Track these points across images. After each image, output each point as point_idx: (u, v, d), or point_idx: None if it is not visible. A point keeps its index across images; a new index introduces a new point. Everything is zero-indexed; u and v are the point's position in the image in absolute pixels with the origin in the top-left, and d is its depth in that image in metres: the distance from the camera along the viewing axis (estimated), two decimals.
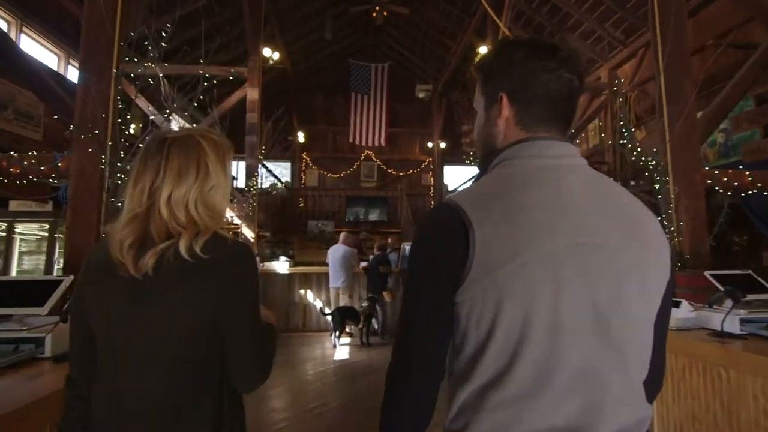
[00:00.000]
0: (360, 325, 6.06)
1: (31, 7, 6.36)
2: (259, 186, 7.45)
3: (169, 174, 0.91)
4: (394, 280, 7.06)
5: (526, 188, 0.68)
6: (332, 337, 6.20)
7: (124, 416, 0.87)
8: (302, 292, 7.19)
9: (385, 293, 6.46)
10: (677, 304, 2.09)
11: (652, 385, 0.73)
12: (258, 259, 7.39)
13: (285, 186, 11.78)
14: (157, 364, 0.87)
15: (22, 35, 6.36)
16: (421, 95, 12.00)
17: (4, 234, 7.39)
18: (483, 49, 7.91)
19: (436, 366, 0.68)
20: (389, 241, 8.37)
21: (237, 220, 7.39)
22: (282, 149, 10.02)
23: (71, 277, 1.77)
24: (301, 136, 13.19)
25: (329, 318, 6.12)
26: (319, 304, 7.14)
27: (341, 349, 5.80)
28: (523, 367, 0.62)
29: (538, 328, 0.62)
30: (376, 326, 6.51)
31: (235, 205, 7.43)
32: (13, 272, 7.67)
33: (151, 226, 0.89)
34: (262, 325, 0.95)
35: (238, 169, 7.84)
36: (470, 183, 0.81)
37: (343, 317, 5.88)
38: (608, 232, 0.67)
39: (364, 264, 6.90)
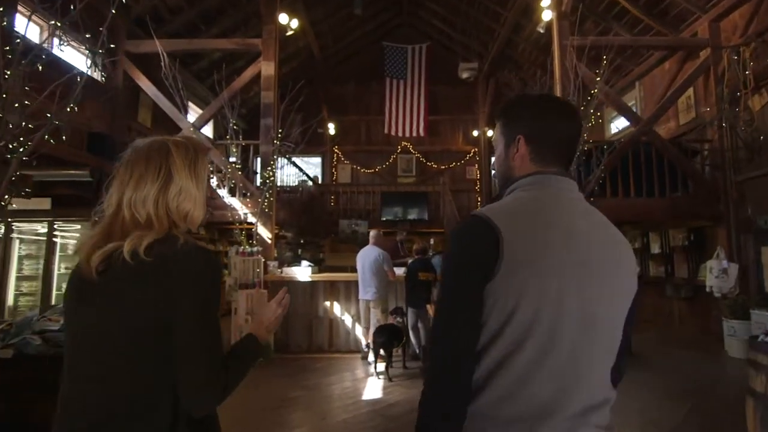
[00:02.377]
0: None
1: None
2: (275, 175, 6.26)
3: (133, 178, 0.95)
4: (440, 291, 5.66)
5: (542, 211, 0.87)
6: (367, 361, 4.93)
7: (73, 419, 0.88)
8: (327, 304, 5.94)
9: (429, 307, 5.08)
10: None
11: (619, 372, 0.93)
12: (275, 263, 6.21)
13: (314, 182, 10.63)
14: (104, 367, 0.88)
15: None
16: (464, 75, 10.50)
17: (0, 236, 6.65)
18: (546, 14, 6.39)
19: (474, 347, 0.83)
20: (431, 242, 6.99)
21: (251, 218, 6.24)
22: (311, 143, 8.95)
23: None
24: (331, 129, 12.04)
25: (367, 343, 4.87)
26: (348, 318, 5.86)
27: (378, 381, 4.47)
28: (529, 347, 0.79)
29: (544, 320, 0.79)
30: (416, 348, 5.15)
31: (248, 200, 6.30)
32: (12, 279, 6.90)
33: (115, 228, 0.92)
34: (212, 334, 0.90)
35: (252, 160, 6.72)
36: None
37: (391, 341, 4.57)
38: (600, 252, 0.86)
39: (401, 271, 5.57)
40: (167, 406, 0.87)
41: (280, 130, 6.25)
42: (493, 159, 11.85)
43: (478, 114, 11.90)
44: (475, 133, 11.85)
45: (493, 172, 11.25)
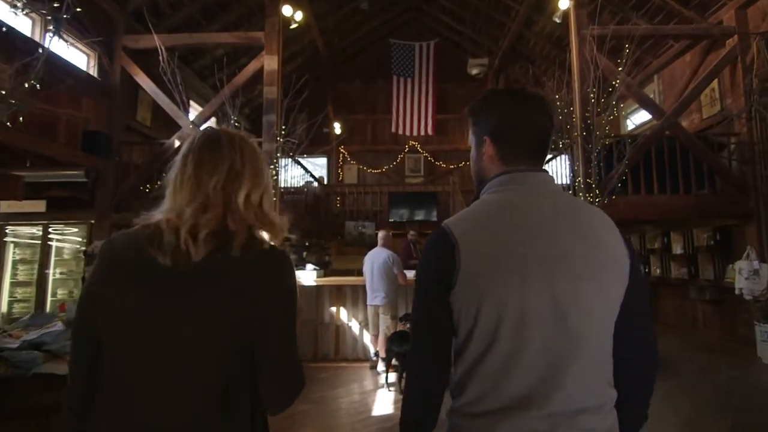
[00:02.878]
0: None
1: None
2: (277, 174, 5.99)
3: (247, 172, 0.92)
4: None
5: (505, 212, 0.87)
6: (376, 371, 4.64)
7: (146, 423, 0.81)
8: (333, 309, 5.65)
9: None
10: None
11: (646, 366, 0.91)
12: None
13: (319, 183, 10.35)
14: (184, 363, 0.82)
15: None
16: (474, 72, 10.19)
17: None
18: (563, 3, 6.06)
19: (444, 353, 0.87)
20: None
21: None
22: (316, 141, 8.67)
23: None
24: (337, 128, 11.77)
25: (375, 352, 4.57)
26: (355, 325, 5.57)
27: (388, 394, 4.17)
28: (497, 349, 0.81)
29: (508, 322, 0.80)
30: None
31: None
32: (6, 284, 6.68)
33: (230, 222, 0.87)
34: (296, 337, 0.91)
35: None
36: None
37: (404, 350, 4.26)
38: (572, 244, 0.84)
39: (412, 274, 5.27)
40: (247, 406, 0.85)
41: (283, 127, 5.98)
42: None
43: None
44: None
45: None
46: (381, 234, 5.20)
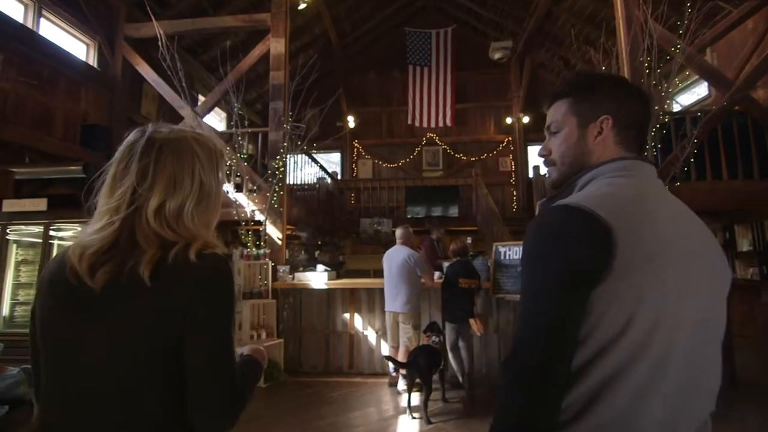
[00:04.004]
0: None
1: None
2: (285, 165, 5.33)
3: (159, 181, 0.83)
4: (484, 301, 4.60)
5: (645, 200, 0.76)
6: (397, 390, 3.95)
7: None
8: (347, 316, 4.96)
9: (472, 322, 4.03)
10: None
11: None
12: (286, 268, 5.27)
13: (332, 178, 9.69)
14: (107, 390, 0.77)
15: None
16: (497, 56, 9.38)
17: None
18: None
19: (568, 361, 0.69)
20: (469, 241, 5.93)
21: (259, 215, 5.33)
22: (328, 133, 8.01)
23: None
24: (351, 121, 11.12)
25: (395, 367, 3.88)
26: (371, 334, 4.87)
27: (412, 423, 3.45)
28: (646, 361, 0.66)
29: (664, 328, 0.67)
30: (458, 375, 4.11)
31: (255, 195, 5.39)
32: (8, 286, 6.20)
33: (138, 236, 0.80)
34: (231, 351, 0.82)
35: (260, 145, 5.79)
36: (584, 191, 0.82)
37: (430, 368, 3.55)
38: (699, 242, 0.76)
39: (437, 276, 4.55)
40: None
41: (290, 113, 5.33)
42: (539, 146, 10.70)
43: (512, 100, 10.75)
44: (509, 120, 10.70)
45: (542, 160, 10.02)
46: (399, 231, 4.49)
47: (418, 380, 3.55)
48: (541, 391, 0.66)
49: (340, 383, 4.45)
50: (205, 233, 0.86)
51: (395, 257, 4.25)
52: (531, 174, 10.04)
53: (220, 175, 0.93)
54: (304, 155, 7.87)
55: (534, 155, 10.72)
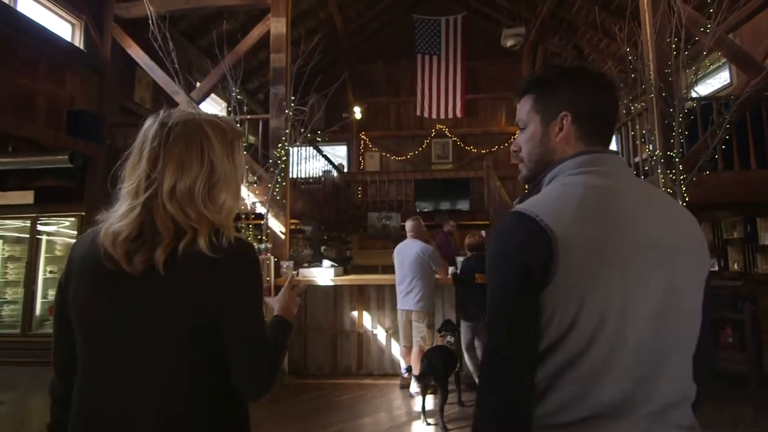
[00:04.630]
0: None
1: None
2: (287, 154, 5.10)
3: (169, 165, 0.85)
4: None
5: (596, 195, 0.75)
6: (409, 392, 3.74)
7: (106, 427, 0.81)
8: (355, 314, 4.74)
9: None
10: None
11: (702, 365, 0.81)
12: (290, 263, 5.06)
13: (339, 171, 9.45)
14: (147, 365, 0.81)
15: None
16: (509, 43, 9.04)
17: None
18: None
19: (533, 354, 0.72)
20: (484, 234, 5.68)
21: (260, 208, 5.11)
22: (333, 124, 7.74)
23: None
24: (357, 112, 10.86)
25: (407, 367, 3.66)
26: (381, 333, 4.65)
27: (427, 429, 3.23)
28: (593, 353, 0.70)
29: (610, 323, 0.69)
30: (474, 376, 3.89)
31: (256, 186, 5.17)
32: None
33: (157, 221, 0.83)
34: (263, 321, 0.88)
35: (261, 133, 5.55)
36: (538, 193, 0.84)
37: (446, 371, 3.32)
38: (665, 233, 0.75)
39: (452, 270, 4.31)
40: (207, 409, 0.84)
41: (292, 98, 5.08)
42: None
43: None
44: None
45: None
46: (409, 223, 4.24)
47: (432, 383, 3.33)
48: (509, 391, 0.70)
49: (349, 385, 4.24)
50: (226, 220, 0.88)
51: (408, 251, 4.02)
52: None
53: (237, 157, 0.92)
54: (308, 147, 7.64)
55: None
